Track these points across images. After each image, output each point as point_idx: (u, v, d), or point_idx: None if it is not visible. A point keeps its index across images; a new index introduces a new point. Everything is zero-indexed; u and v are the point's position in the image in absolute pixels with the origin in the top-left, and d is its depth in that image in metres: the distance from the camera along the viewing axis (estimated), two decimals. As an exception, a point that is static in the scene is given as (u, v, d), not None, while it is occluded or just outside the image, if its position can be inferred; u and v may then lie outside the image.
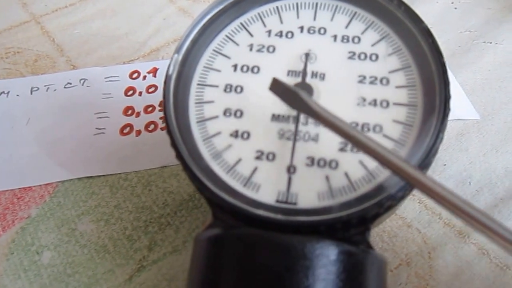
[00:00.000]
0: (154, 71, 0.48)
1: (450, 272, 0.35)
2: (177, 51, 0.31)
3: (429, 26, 0.29)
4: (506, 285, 0.34)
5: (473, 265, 0.35)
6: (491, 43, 0.50)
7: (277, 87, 0.29)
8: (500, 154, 0.41)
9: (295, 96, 0.28)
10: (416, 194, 0.39)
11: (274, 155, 0.29)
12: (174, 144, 0.29)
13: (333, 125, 0.26)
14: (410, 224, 0.37)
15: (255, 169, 0.28)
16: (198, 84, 0.31)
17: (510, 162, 0.40)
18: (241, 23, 0.33)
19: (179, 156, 0.28)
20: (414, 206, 0.38)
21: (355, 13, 0.32)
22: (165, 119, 0.29)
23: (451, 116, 0.43)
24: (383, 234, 0.37)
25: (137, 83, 0.47)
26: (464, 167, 0.40)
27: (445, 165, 0.40)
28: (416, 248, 0.36)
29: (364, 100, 0.29)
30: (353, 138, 0.26)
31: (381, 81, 0.30)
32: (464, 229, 0.37)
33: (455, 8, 0.54)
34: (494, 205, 0.38)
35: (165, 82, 0.30)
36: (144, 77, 0.48)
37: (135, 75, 0.48)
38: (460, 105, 0.44)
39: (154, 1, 0.56)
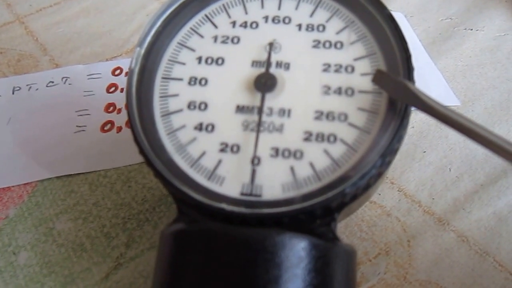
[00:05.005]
0: (136, 67, 0.48)
1: (429, 260, 0.35)
2: (139, 44, 0.30)
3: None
4: (486, 272, 0.34)
5: (453, 252, 0.35)
6: (471, 29, 0.50)
7: (381, 78, 0.28)
8: (481, 139, 0.41)
9: (403, 87, 0.27)
10: (395, 183, 0.38)
11: (238, 147, 0.28)
12: (136, 139, 0.28)
13: (445, 116, 0.25)
14: (389, 213, 0.37)
15: (219, 162, 0.28)
16: (163, 78, 0.30)
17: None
18: (206, 15, 0.32)
19: (141, 151, 0.28)
20: (393, 194, 0.38)
21: (320, 1, 0.31)
22: (128, 114, 0.29)
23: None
24: (362, 224, 0.36)
25: (119, 80, 0.47)
26: (444, 154, 0.40)
27: (424, 152, 0.40)
28: (395, 236, 0.36)
29: (329, 88, 0.29)
30: (467, 129, 0.25)
31: (346, 69, 0.29)
32: (443, 217, 0.37)
33: (437, -4, 0.53)
34: (474, 191, 0.38)
35: (127, 76, 0.30)
36: (127, 73, 0.47)
37: (117, 72, 0.48)
38: (441, 92, 0.44)
39: (138, -3, 0.56)
